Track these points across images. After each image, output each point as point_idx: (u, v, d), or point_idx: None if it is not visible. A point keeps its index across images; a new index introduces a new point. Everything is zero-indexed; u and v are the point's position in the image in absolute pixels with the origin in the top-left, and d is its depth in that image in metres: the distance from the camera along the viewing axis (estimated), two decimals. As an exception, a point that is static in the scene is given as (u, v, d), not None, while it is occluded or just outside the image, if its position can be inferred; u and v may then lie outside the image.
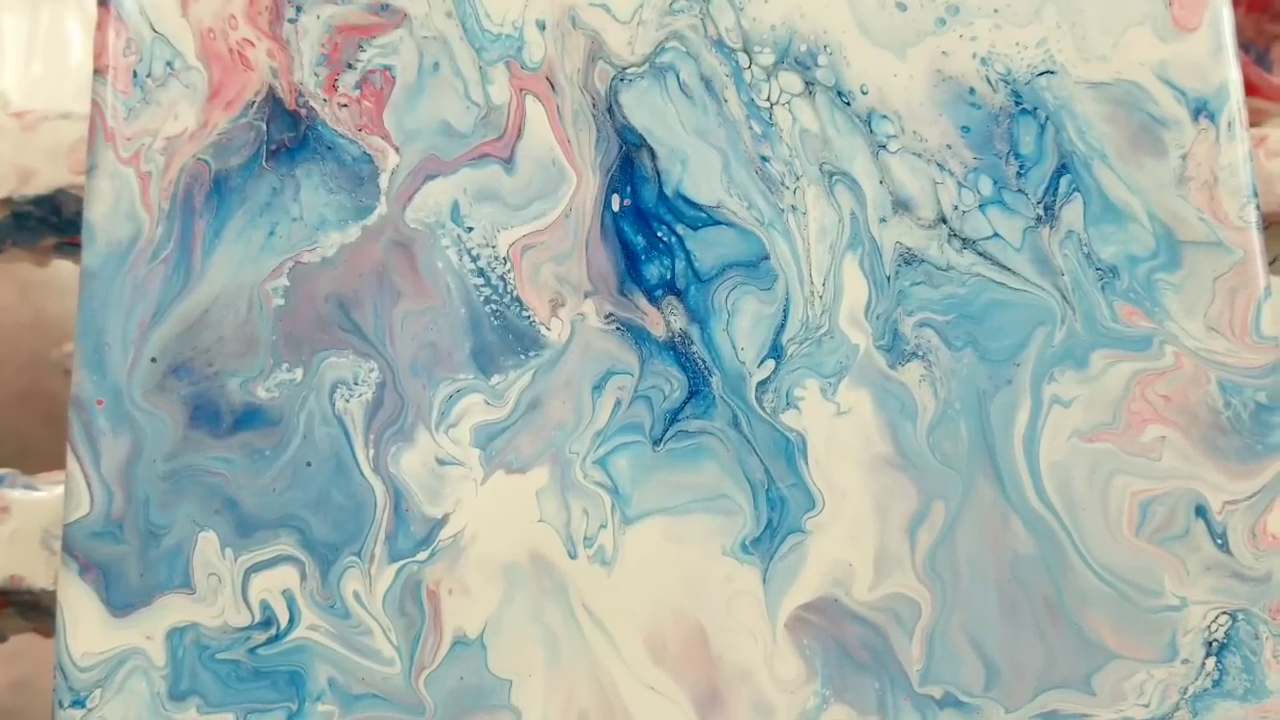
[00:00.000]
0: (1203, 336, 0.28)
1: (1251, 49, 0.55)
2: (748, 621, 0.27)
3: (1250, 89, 0.47)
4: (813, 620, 0.27)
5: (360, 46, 0.29)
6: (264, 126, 0.29)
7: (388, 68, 0.29)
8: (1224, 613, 0.27)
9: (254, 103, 0.29)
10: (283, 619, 0.26)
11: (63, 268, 0.44)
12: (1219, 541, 0.27)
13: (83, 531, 0.27)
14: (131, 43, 0.29)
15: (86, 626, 0.26)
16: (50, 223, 0.36)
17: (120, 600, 0.26)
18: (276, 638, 0.26)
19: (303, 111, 0.29)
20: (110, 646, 0.26)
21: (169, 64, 0.29)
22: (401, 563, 0.27)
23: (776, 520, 0.27)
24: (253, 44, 0.29)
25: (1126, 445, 0.28)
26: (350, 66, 0.29)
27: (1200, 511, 0.27)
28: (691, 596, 0.27)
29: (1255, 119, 0.49)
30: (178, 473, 0.27)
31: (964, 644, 0.27)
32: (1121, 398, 0.28)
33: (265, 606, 0.26)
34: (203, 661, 0.26)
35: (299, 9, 0.30)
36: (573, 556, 0.27)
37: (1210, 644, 0.27)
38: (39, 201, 0.36)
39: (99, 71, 0.29)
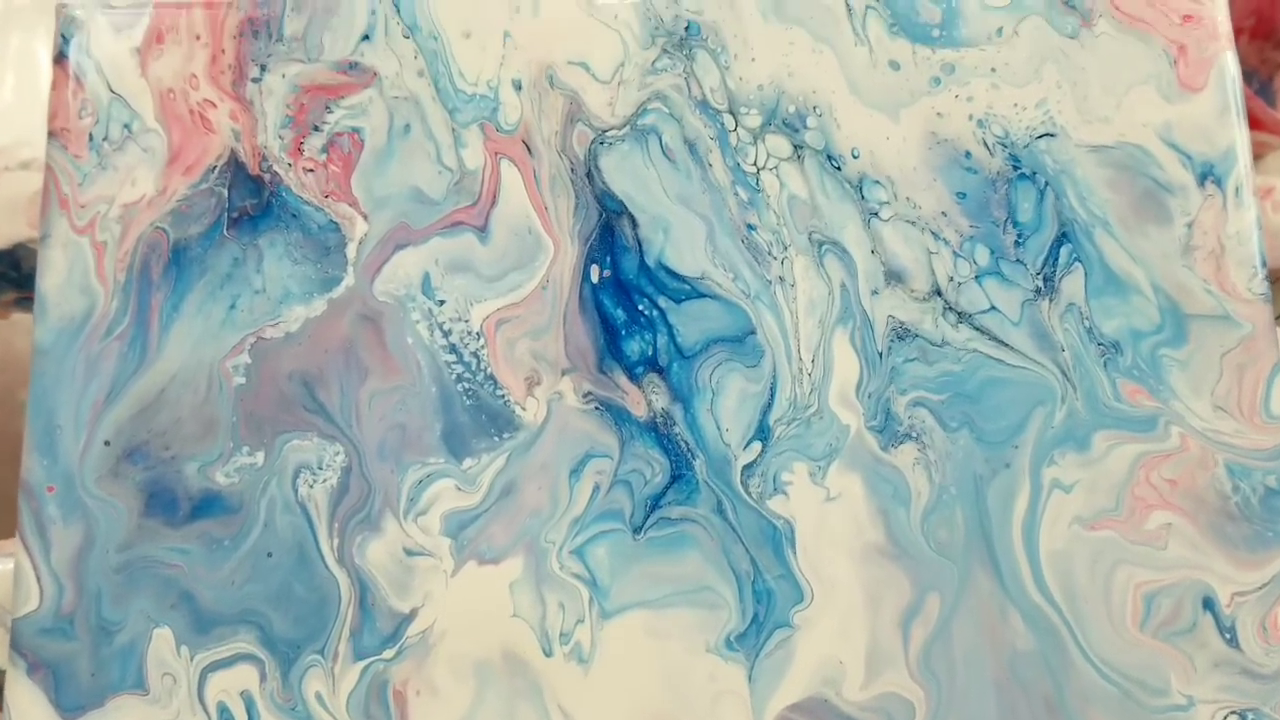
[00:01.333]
0: (1210, 416, 0.27)
1: (1254, 78, 0.54)
2: (732, 723, 0.26)
3: (1253, 123, 0.46)
4: (800, 722, 0.26)
5: (328, 108, 0.28)
6: (225, 193, 0.28)
7: (356, 130, 0.28)
8: (1233, 712, 0.26)
9: (215, 167, 0.28)
10: (241, 722, 0.25)
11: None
12: (1228, 636, 0.26)
13: (32, 627, 0.25)
14: (88, 104, 0.28)
15: (34, 729, 0.25)
16: (10, 278, 0.35)
17: (70, 701, 0.25)
18: (234, 742, 0.25)
19: (266, 177, 0.28)
20: (59, 751, 0.25)
21: (127, 126, 0.28)
22: (367, 661, 0.25)
23: (763, 614, 0.26)
24: (215, 105, 0.28)
25: (1130, 533, 0.26)
26: (317, 129, 0.28)
27: (1208, 604, 0.26)
28: (673, 696, 0.26)
29: (1257, 152, 0.47)
30: (132, 564, 0.26)
31: (959, 746, 0.25)
32: (1125, 482, 0.27)
33: (223, 709, 0.25)
34: (156, 767, 0.25)
35: (263, 68, 0.28)
36: (548, 654, 0.26)
37: (1218, 745, 0.26)
38: (-2, 257, 0.34)
39: (53, 134, 0.28)
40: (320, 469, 0.26)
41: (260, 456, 0.26)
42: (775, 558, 0.26)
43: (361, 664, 0.25)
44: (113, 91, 0.28)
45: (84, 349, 0.26)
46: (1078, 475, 0.27)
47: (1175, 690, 0.26)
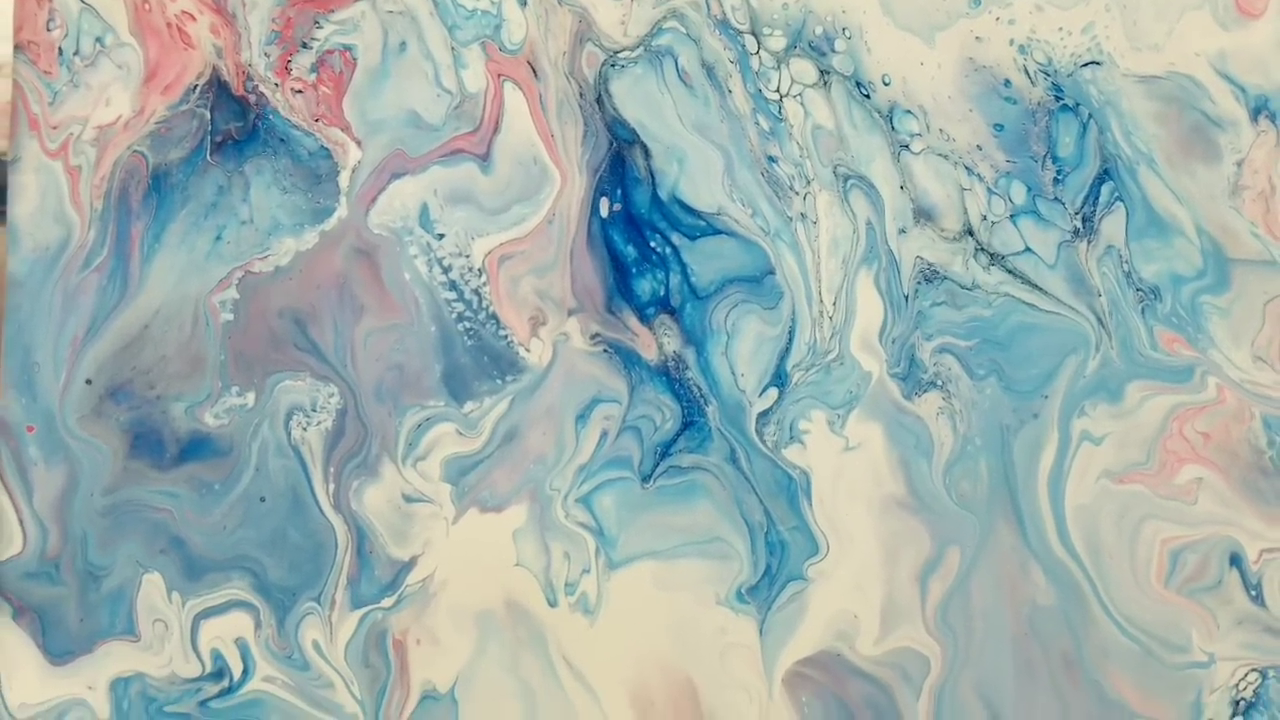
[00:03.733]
0: (1249, 367, 0.26)
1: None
2: (742, 676, 0.25)
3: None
4: (813, 676, 0.25)
5: (316, 22, 0.26)
6: (208, 114, 0.26)
7: (348, 48, 0.26)
8: (1254, 670, 0.25)
9: (196, 87, 0.26)
10: (236, 670, 0.24)
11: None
12: (1253, 593, 0.25)
13: (16, 571, 0.24)
14: (56, 14, 0.26)
15: (23, 674, 0.24)
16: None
17: (59, 647, 0.24)
18: (229, 690, 0.24)
19: (251, 98, 0.26)
20: (50, 697, 0.24)
21: (99, 40, 0.26)
22: (365, 610, 0.25)
23: (776, 566, 0.25)
24: (194, 17, 0.26)
25: (1160, 487, 0.25)
26: (305, 45, 0.26)
27: (1235, 560, 0.25)
28: (682, 648, 0.25)
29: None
30: (118, 508, 0.24)
31: (975, 702, 0.25)
32: (1157, 435, 0.25)
33: (217, 656, 0.24)
34: (150, 715, 0.24)
35: (246, -23, 0.26)
36: (552, 604, 0.25)
37: (1238, 703, 0.25)
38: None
39: (19, 48, 0.26)
40: (314, 411, 0.25)
41: (250, 397, 0.25)
42: (790, 508, 0.25)
43: (360, 612, 0.25)
44: (83, 1, 0.26)
45: (61, 281, 0.25)
46: (1109, 427, 0.25)
47: (1196, 647, 0.25)
